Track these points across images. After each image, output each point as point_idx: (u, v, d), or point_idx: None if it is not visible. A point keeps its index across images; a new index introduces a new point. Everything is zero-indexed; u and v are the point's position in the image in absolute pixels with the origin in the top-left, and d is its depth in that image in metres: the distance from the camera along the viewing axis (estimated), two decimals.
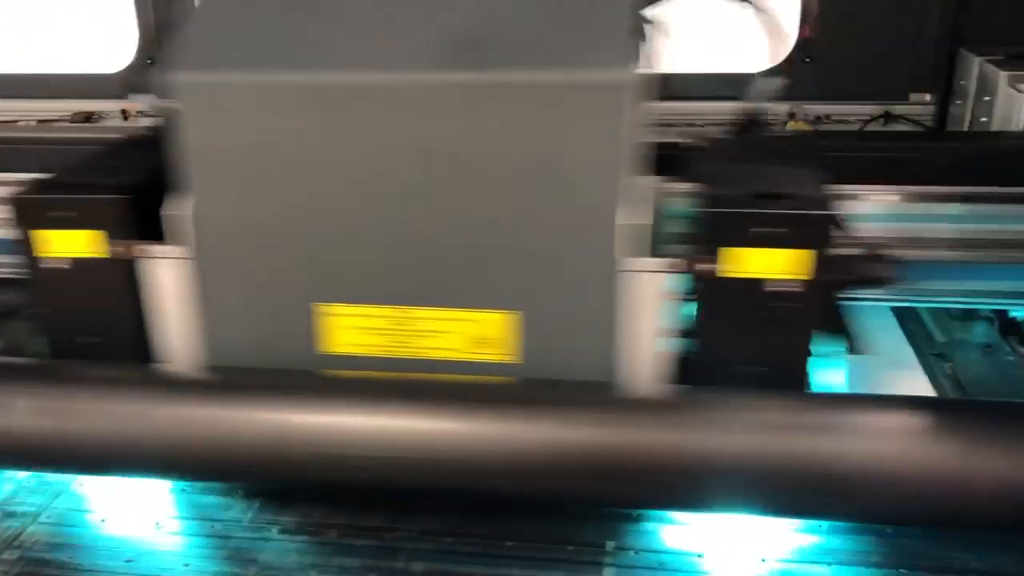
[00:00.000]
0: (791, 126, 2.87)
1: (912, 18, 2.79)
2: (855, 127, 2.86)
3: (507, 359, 1.64)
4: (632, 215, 1.52)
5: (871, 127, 2.84)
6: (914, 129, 2.83)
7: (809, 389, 1.64)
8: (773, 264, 1.53)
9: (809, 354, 1.60)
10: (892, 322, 2.25)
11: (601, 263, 1.55)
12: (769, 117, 2.09)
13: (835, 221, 1.53)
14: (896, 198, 2.24)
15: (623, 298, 1.57)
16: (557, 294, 1.58)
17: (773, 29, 2.00)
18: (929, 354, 2.13)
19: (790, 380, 1.59)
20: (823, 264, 1.52)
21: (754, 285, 1.54)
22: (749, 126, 2.32)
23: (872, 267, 1.63)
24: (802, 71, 2.88)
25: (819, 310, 1.57)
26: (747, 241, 1.52)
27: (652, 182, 1.70)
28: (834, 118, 2.88)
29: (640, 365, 1.61)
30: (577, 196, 1.52)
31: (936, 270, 2.25)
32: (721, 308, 1.57)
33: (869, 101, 2.86)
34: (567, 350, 1.61)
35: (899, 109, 2.84)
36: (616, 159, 1.49)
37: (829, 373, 1.73)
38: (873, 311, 2.25)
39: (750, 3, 2.00)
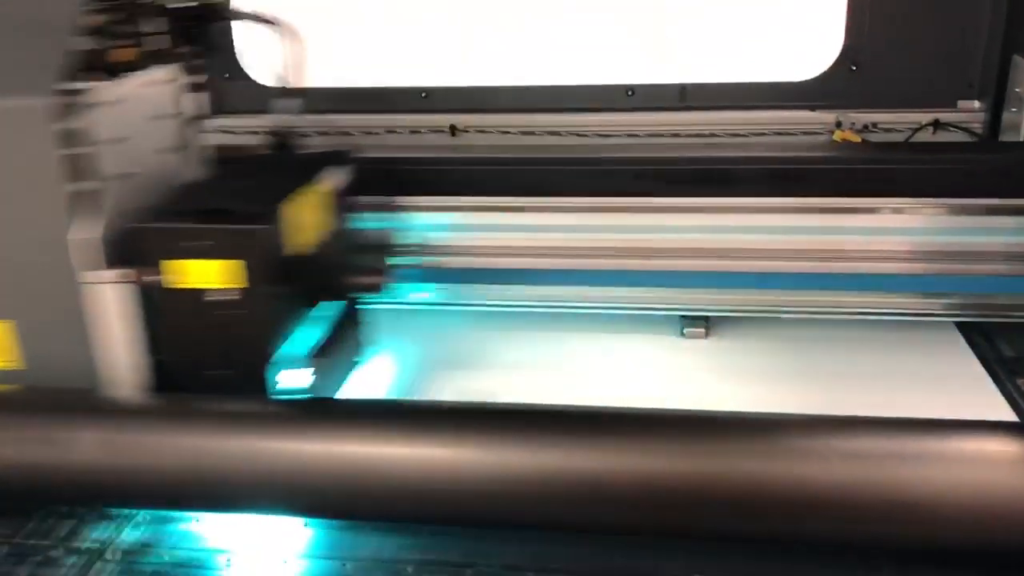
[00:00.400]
0: (838, 136, 2.83)
1: (959, 24, 2.74)
2: (903, 135, 2.81)
3: (10, 366, 1.81)
4: (85, 230, 1.70)
5: (920, 136, 2.79)
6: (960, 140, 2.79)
7: (271, 393, 1.67)
8: (208, 275, 1.69)
9: (268, 358, 1.67)
10: (957, 337, 2.21)
11: (63, 276, 1.74)
12: (298, 132, 2.48)
13: (273, 234, 1.69)
14: (944, 211, 2.22)
15: (90, 308, 1.75)
16: (37, 304, 1.78)
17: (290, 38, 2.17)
18: (999, 370, 2.09)
19: (252, 383, 1.67)
20: (272, 273, 1.68)
21: (198, 295, 1.69)
22: (281, 143, 2.53)
23: (360, 277, 1.86)
24: (847, 79, 2.83)
25: (273, 315, 1.72)
26: (182, 254, 1.68)
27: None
28: (881, 126, 2.83)
29: (118, 372, 1.77)
30: (30, 213, 1.73)
31: (997, 283, 2.21)
32: (177, 317, 1.73)
33: (917, 109, 2.81)
34: (58, 358, 1.78)
35: (948, 117, 2.79)
36: (60, 178, 1.68)
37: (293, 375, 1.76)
38: (938, 327, 2.23)
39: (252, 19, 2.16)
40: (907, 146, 2.70)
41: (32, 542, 1.65)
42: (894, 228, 2.22)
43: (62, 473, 1.62)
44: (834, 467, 1.40)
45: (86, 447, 1.60)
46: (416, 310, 2.40)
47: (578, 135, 2.95)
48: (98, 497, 1.65)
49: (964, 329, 2.23)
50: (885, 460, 1.42)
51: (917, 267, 2.20)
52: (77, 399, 1.71)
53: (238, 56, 3.03)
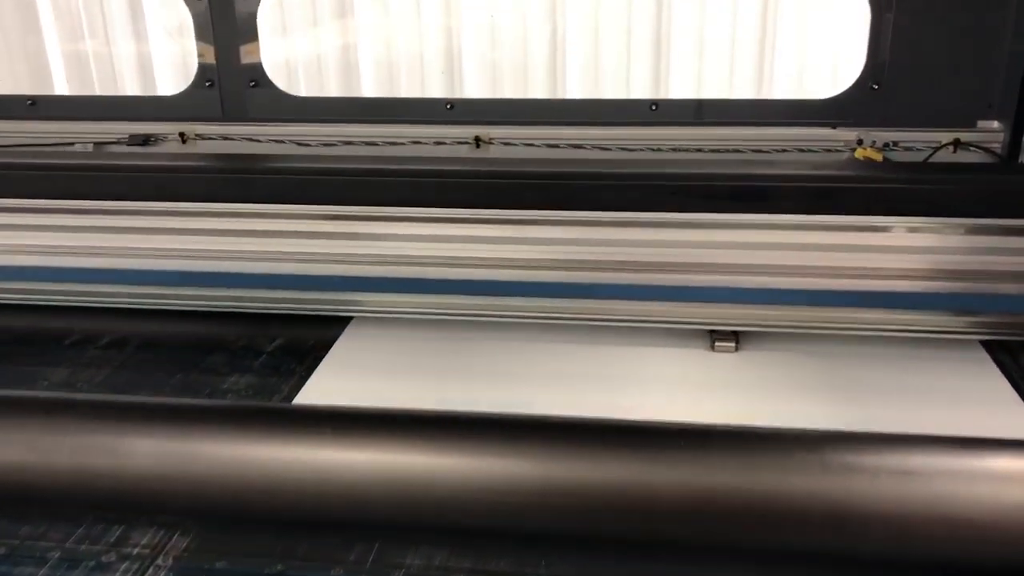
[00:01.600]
0: (859, 153, 2.87)
1: (980, 44, 2.79)
2: (924, 154, 2.86)
3: None
4: None
5: (940, 155, 2.83)
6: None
7: None
8: None
9: None
10: (983, 355, 2.25)
11: None
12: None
13: None
14: (970, 230, 2.26)
15: None
16: None
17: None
18: None
19: None
20: None
21: None
22: None
23: None
24: (869, 97, 2.88)
25: None
26: None
27: None
28: (902, 145, 2.88)
29: None
30: None
31: (1021, 303, 2.26)
32: None
33: (937, 128, 2.86)
34: None
35: (968, 136, 2.84)
36: None
37: None
38: (963, 344, 2.27)
39: None
40: (932, 166, 2.74)
41: (84, 547, 1.67)
42: (920, 247, 2.26)
43: (116, 481, 1.64)
44: (881, 484, 1.43)
45: (141, 455, 1.62)
46: (451, 321, 2.43)
47: (602, 148, 2.99)
48: (152, 505, 1.67)
49: (989, 347, 2.27)
50: (929, 478, 1.45)
51: (943, 285, 2.24)
52: (130, 406, 1.73)
53: (264, 64, 3.06)
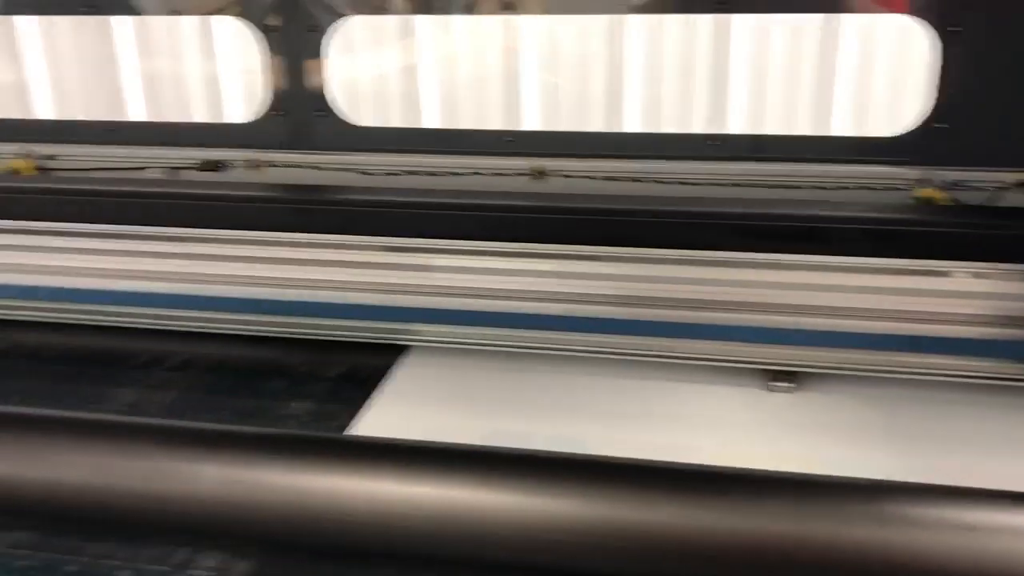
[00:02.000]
0: (921, 193, 2.83)
1: None
2: (988, 195, 2.81)
3: None
4: None
5: (1009, 195, 2.78)
6: None
7: None
8: None
9: None
10: None
11: None
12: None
13: None
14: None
15: None
16: None
17: None
18: None
19: None
20: None
21: None
22: None
23: None
24: (934, 136, 2.84)
25: None
26: None
27: None
28: (966, 185, 2.83)
29: None
30: None
31: None
32: None
33: (1002, 168, 2.81)
34: None
35: None
36: None
37: None
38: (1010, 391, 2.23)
39: None
40: (996, 211, 2.69)
41: (150, 568, 1.72)
42: (982, 292, 2.23)
43: (183, 504, 1.70)
44: (943, 539, 1.42)
45: (207, 480, 1.68)
46: (505, 353, 2.46)
47: (659, 182, 3.00)
48: (217, 530, 1.72)
49: None
50: (993, 534, 1.43)
51: (1007, 332, 2.21)
52: (199, 433, 1.79)
53: (330, 94, 3.14)
